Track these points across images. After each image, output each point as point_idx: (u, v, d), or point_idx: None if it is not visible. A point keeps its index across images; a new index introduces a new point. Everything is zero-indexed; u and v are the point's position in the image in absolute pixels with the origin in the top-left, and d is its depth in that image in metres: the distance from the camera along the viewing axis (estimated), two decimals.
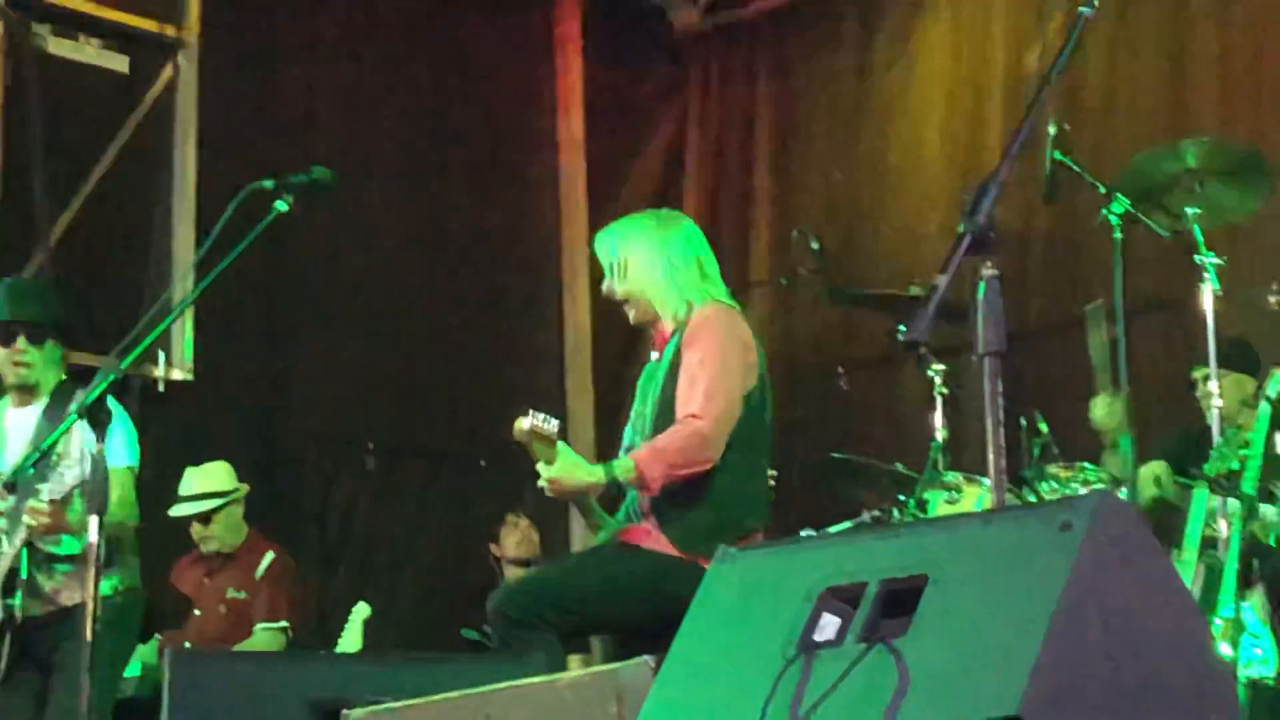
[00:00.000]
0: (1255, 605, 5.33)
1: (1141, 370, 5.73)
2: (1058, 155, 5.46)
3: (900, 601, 2.66)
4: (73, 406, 4.79)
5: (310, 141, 8.28)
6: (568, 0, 9.44)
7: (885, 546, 2.82)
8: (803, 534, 5.17)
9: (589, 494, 4.66)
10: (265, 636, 7.04)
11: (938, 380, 6.41)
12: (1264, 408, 5.41)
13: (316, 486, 8.25)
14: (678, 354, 4.68)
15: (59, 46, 7.61)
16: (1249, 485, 5.33)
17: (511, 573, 7.81)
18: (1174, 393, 6.37)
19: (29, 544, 5.28)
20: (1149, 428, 5.85)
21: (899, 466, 6.38)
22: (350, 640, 7.24)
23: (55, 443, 4.72)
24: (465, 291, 8.87)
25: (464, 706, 3.45)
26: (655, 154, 9.53)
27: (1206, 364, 5.57)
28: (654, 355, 4.84)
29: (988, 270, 3.04)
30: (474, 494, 8.63)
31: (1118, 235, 5.37)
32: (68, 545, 5.36)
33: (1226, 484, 5.36)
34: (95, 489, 4.25)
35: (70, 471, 5.30)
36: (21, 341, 5.48)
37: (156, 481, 6.58)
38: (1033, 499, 5.86)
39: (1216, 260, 5.52)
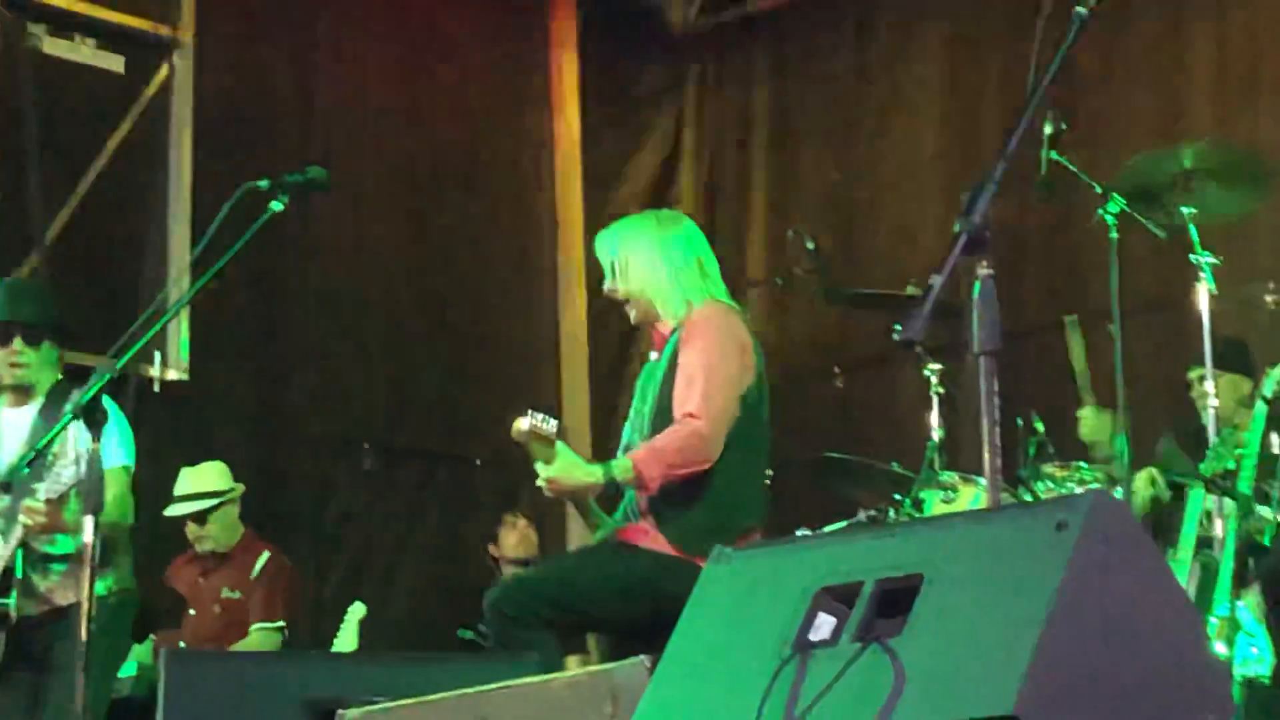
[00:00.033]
0: (1250, 604, 5.33)
1: (1137, 370, 5.72)
2: (1054, 155, 5.46)
3: (896, 601, 2.66)
4: (68, 406, 4.80)
5: (305, 141, 8.28)
6: None
7: (881, 546, 2.82)
8: (798, 533, 5.16)
9: (587, 494, 4.66)
10: (261, 636, 7.04)
11: (934, 380, 6.40)
12: (1260, 407, 5.41)
13: (312, 486, 8.25)
14: (676, 353, 4.69)
15: (54, 46, 7.61)
16: (1244, 485, 5.33)
17: (510, 573, 7.80)
18: (1170, 393, 6.37)
19: (24, 543, 5.28)
20: (1145, 428, 5.85)
21: (895, 466, 6.38)
22: (346, 640, 7.25)
23: (51, 442, 4.72)
24: (460, 291, 8.87)
25: (459, 706, 3.45)
26: (651, 153, 9.52)
27: (1202, 364, 5.57)
28: (653, 355, 4.84)
29: (983, 270, 3.03)
30: (469, 494, 8.64)
31: (1114, 235, 5.37)
32: (62, 545, 5.36)
33: (1222, 484, 5.37)
34: (90, 489, 4.25)
35: (67, 471, 5.30)
36: (18, 342, 5.48)
37: (152, 481, 6.57)
38: (1028, 498, 5.86)
39: (1212, 260, 5.53)
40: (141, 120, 7.79)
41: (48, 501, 5.21)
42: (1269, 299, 5.74)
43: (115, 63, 7.78)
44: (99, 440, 4.25)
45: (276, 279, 8.12)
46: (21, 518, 5.22)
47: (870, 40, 8.81)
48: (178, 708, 4.07)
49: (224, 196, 4.41)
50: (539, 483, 4.59)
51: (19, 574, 5.30)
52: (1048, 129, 5.42)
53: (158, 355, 7.51)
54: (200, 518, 7.18)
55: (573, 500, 4.79)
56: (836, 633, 2.71)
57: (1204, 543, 5.47)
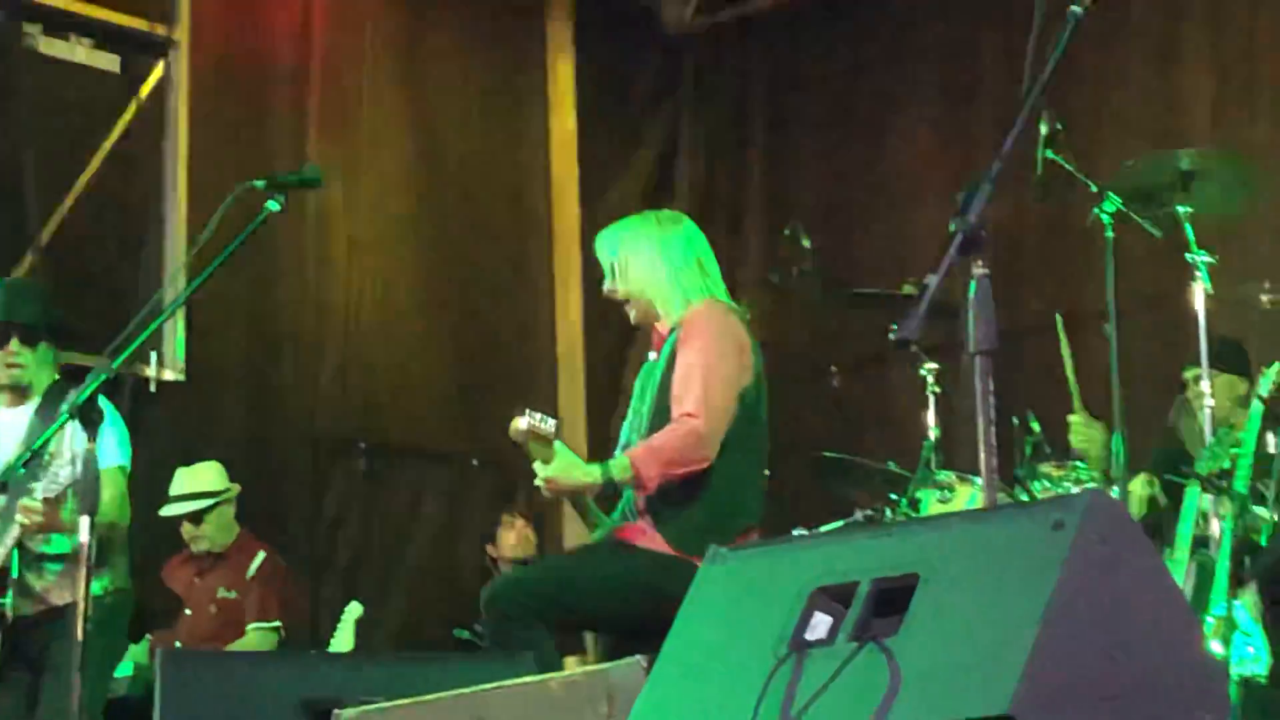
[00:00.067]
0: (1247, 604, 5.33)
1: (1133, 370, 5.72)
2: (1050, 154, 5.46)
3: (892, 600, 2.66)
4: (64, 406, 4.79)
5: (301, 141, 8.27)
6: None
7: (877, 545, 2.82)
8: (795, 533, 5.16)
9: (586, 493, 4.66)
10: (257, 636, 7.04)
11: (930, 379, 6.41)
12: (1256, 407, 5.42)
13: (308, 486, 8.24)
14: (674, 352, 4.69)
15: (50, 46, 7.60)
16: (1241, 484, 5.34)
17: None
18: (1167, 392, 6.37)
19: (20, 543, 5.28)
20: (1141, 428, 5.85)
21: (891, 465, 6.38)
22: (342, 640, 7.24)
23: (48, 442, 4.72)
24: (457, 291, 8.86)
25: (456, 706, 3.45)
26: (647, 153, 9.52)
27: (1198, 364, 5.57)
28: (652, 355, 4.84)
29: (979, 269, 3.04)
30: (465, 494, 8.63)
31: (1110, 234, 5.37)
32: (58, 544, 5.36)
33: (1218, 483, 5.37)
34: (86, 489, 4.25)
35: (64, 471, 5.30)
36: (15, 343, 5.48)
37: (148, 481, 6.57)
38: (1025, 498, 5.87)
39: (1208, 259, 5.53)
40: (137, 120, 7.78)
41: (45, 501, 5.21)
42: (1265, 298, 5.73)
43: (111, 62, 7.77)
44: (95, 440, 4.24)
45: (272, 279, 8.11)
46: (18, 517, 5.22)
47: (866, 40, 8.81)
48: (174, 708, 4.06)
49: (220, 196, 4.41)
50: (537, 482, 4.59)
51: (15, 574, 5.30)
52: (1044, 129, 5.43)
53: (154, 355, 7.50)
54: (196, 518, 7.17)
55: (571, 500, 4.78)
56: (833, 632, 2.71)
57: (1200, 542, 5.47)
